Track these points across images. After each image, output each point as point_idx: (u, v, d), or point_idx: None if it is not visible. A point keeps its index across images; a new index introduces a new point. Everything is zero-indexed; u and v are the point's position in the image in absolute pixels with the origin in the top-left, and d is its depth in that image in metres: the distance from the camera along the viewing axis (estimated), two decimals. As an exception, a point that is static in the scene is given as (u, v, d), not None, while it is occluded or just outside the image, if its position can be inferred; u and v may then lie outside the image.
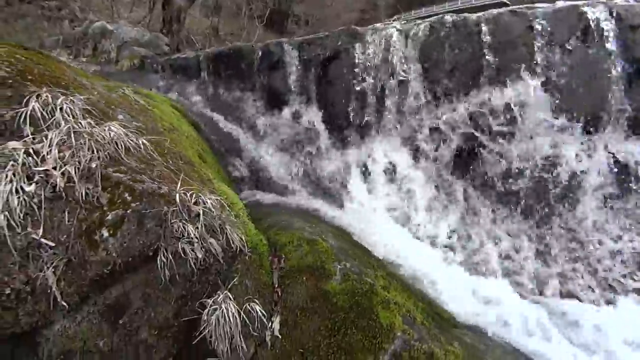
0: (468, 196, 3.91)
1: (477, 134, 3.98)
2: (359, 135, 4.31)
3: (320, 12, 11.52)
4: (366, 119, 4.36)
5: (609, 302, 2.99)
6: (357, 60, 4.41)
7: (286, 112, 4.45)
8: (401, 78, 4.28)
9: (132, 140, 1.88)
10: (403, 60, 4.29)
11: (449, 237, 3.50)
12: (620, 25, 3.95)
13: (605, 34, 3.94)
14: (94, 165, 1.63)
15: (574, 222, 3.37)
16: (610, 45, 3.91)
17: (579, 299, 3.03)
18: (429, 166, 4.04)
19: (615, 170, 3.55)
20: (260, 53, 4.68)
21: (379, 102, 4.36)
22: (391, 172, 3.98)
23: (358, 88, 4.40)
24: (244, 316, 1.70)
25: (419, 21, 4.46)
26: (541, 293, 3.02)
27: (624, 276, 3.09)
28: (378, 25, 4.79)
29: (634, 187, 3.39)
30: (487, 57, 4.10)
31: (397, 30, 4.39)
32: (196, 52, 5.29)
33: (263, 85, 4.62)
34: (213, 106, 4.42)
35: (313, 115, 4.45)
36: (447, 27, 4.21)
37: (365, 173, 4.06)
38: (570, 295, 3.01)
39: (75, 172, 1.57)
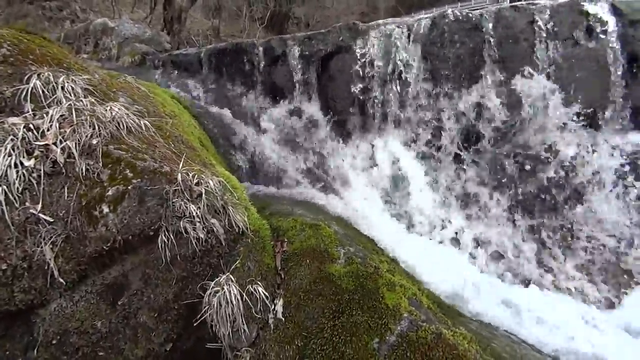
0: (469, 191, 3.88)
1: (478, 126, 3.98)
2: (361, 128, 4.30)
3: (320, 14, 11.56)
4: (368, 113, 4.35)
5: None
6: (358, 56, 4.41)
7: (288, 106, 4.44)
8: (403, 72, 4.28)
9: (133, 121, 1.85)
10: (405, 55, 4.29)
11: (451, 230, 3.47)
12: (620, 20, 3.97)
13: (606, 29, 3.95)
14: (94, 142, 1.60)
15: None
16: (611, 40, 3.92)
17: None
18: (431, 159, 4.02)
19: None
20: (262, 49, 4.68)
21: (380, 96, 4.35)
22: (392, 164, 3.96)
23: (359, 83, 4.39)
24: (246, 298, 1.66)
25: (421, 17, 4.48)
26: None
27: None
28: (380, 21, 4.80)
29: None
30: (488, 52, 4.11)
31: (399, 25, 4.40)
32: (197, 48, 5.29)
33: (264, 81, 4.61)
34: (214, 100, 4.40)
35: (314, 110, 4.44)
36: (449, 22, 4.22)
37: (368, 166, 4.03)
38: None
39: (75, 148, 1.55)
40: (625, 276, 2.89)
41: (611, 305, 2.68)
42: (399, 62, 4.33)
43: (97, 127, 1.64)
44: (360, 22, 4.91)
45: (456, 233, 3.35)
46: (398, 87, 4.32)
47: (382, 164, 4.03)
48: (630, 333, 2.37)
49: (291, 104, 4.50)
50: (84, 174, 1.53)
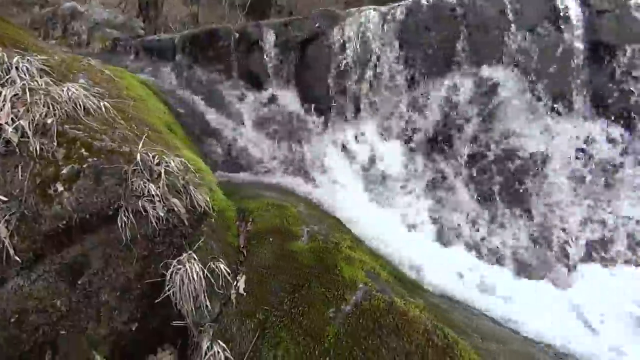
0: (441, 176, 4.00)
1: (452, 113, 4.07)
2: (338, 115, 4.33)
3: (303, 2, 11.39)
4: (344, 100, 4.38)
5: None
6: (334, 42, 4.42)
7: (264, 93, 4.42)
8: (379, 59, 4.32)
9: (92, 102, 1.84)
10: (381, 42, 4.32)
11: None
12: (587, 9, 4.09)
13: (573, 18, 4.06)
14: (49, 121, 1.58)
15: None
16: (578, 29, 4.04)
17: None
18: (406, 147, 4.10)
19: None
20: (237, 35, 4.62)
21: (357, 83, 4.38)
22: (368, 150, 4.02)
23: (336, 70, 4.40)
24: (208, 274, 1.70)
25: (396, 4, 4.50)
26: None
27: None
28: (355, 8, 4.80)
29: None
30: (461, 40, 4.19)
31: (375, 11, 4.42)
32: (171, 34, 5.18)
33: (240, 67, 4.56)
34: (188, 88, 4.34)
35: (292, 97, 4.44)
36: (424, 9, 4.27)
37: (344, 153, 4.08)
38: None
39: (29, 127, 1.53)
40: (574, 258, 3.08)
41: (563, 285, 2.86)
42: (375, 49, 4.36)
43: (51, 107, 1.62)
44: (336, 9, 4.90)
45: (426, 215, 3.46)
46: (374, 74, 4.36)
47: (358, 150, 4.09)
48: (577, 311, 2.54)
49: (268, 91, 4.48)
50: (38, 153, 1.52)
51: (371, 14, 4.46)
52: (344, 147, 4.12)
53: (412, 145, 4.16)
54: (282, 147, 4.07)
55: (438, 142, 4.09)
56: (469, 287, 2.46)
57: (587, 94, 3.93)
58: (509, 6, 4.17)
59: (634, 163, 3.47)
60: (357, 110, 4.39)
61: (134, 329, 1.81)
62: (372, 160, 4.10)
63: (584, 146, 3.74)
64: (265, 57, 4.54)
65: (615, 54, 3.97)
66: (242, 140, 4.00)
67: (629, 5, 4.01)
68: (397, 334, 1.45)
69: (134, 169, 1.64)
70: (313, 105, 4.43)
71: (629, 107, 3.85)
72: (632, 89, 3.87)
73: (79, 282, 1.61)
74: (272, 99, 4.43)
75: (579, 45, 3.99)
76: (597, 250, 3.28)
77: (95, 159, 1.54)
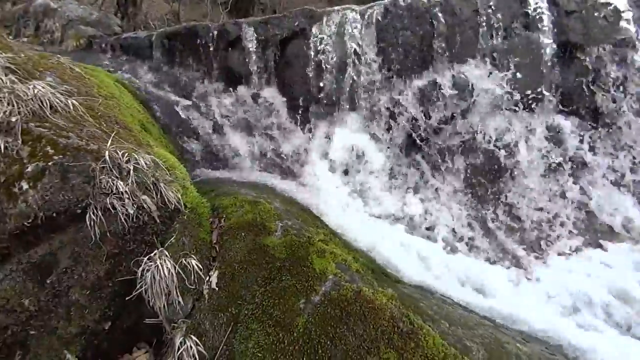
0: (420, 172, 4.10)
1: (428, 110, 4.17)
2: (317, 113, 4.37)
3: (287, 0, 11.33)
4: (324, 98, 4.42)
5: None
6: (313, 41, 4.45)
7: (244, 91, 4.42)
8: (357, 58, 4.37)
9: (59, 100, 1.82)
10: (359, 41, 4.38)
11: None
12: (556, 10, 4.26)
13: (544, 18, 4.22)
14: (13, 119, 1.56)
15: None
16: (547, 29, 4.20)
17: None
18: (383, 143, 4.17)
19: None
20: (216, 32, 4.60)
21: (336, 82, 4.43)
22: (347, 148, 4.08)
23: (315, 68, 4.43)
24: (180, 271, 1.71)
25: (375, 3, 4.56)
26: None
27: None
28: (336, 7, 4.85)
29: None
30: (437, 39, 4.29)
31: (353, 11, 4.47)
32: (149, 31, 5.10)
33: (220, 65, 4.54)
34: (166, 86, 4.29)
35: (271, 96, 4.45)
36: (401, 9, 4.36)
37: (323, 150, 4.12)
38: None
39: (-9, 126, 1.51)
40: (547, 245, 3.22)
41: (533, 272, 2.98)
42: (353, 48, 4.41)
43: (16, 105, 1.60)
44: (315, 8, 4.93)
45: (405, 208, 3.54)
46: (353, 73, 4.42)
47: (337, 148, 4.13)
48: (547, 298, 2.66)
49: (247, 90, 4.47)
50: (2, 151, 1.50)
51: (350, 13, 4.51)
52: (323, 144, 4.17)
53: (390, 141, 4.25)
54: (262, 145, 4.08)
55: (416, 138, 4.19)
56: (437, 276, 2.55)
57: (556, 91, 4.09)
58: (482, 6, 4.29)
59: (599, 155, 3.66)
60: (337, 107, 4.44)
61: (106, 327, 1.81)
62: (351, 156, 4.16)
63: (552, 139, 3.91)
64: (245, 55, 4.53)
65: (583, 54, 4.15)
66: (220, 138, 3.99)
67: (594, 7, 4.19)
68: (364, 321, 1.50)
69: (102, 167, 1.64)
70: (293, 103, 4.45)
71: (595, 103, 4.04)
72: (597, 86, 4.06)
73: (48, 282, 1.60)
74: (252, 97, 4.42)
75: (549, 45, 4.15)
76: (565, 234, 3.45)
77: (61, 156, 1.53)
